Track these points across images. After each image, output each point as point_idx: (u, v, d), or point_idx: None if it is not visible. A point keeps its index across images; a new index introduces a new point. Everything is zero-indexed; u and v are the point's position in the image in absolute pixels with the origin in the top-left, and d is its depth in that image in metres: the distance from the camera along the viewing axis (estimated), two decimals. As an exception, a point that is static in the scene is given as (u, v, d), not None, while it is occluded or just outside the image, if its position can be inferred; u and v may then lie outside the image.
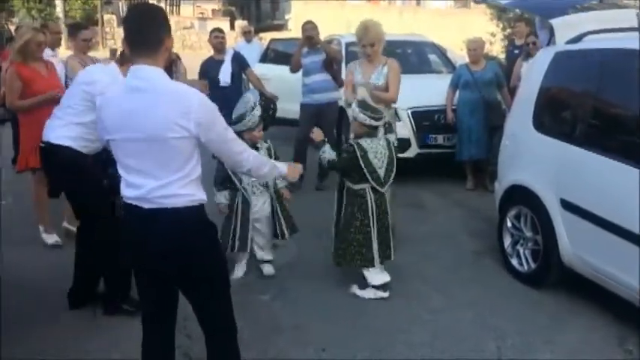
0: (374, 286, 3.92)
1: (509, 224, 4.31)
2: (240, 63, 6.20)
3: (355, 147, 3.81)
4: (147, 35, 2.24)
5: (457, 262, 4.55)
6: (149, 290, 2.48)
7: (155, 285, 2.45)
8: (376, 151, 3.80)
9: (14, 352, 3.20)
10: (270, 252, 4.36)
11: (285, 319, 3.66)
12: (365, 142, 3.82)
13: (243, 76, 6.62)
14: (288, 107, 6.83)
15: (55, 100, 4.72)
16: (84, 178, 3.59)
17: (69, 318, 3.65)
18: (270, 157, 4.05)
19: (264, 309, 3.79)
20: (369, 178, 3.79)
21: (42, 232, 4.87)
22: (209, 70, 6.23)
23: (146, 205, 2.26)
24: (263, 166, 2.58)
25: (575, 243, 3.70)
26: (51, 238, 4.82)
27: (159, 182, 2.24)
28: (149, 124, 2.18)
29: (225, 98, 5.81)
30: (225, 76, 6.07)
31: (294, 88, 6.65)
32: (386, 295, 3.91)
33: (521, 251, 4.20)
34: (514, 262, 4.24)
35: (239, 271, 4.27)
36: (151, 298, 2.49)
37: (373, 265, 3.87)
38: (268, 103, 5.93)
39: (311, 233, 5.11)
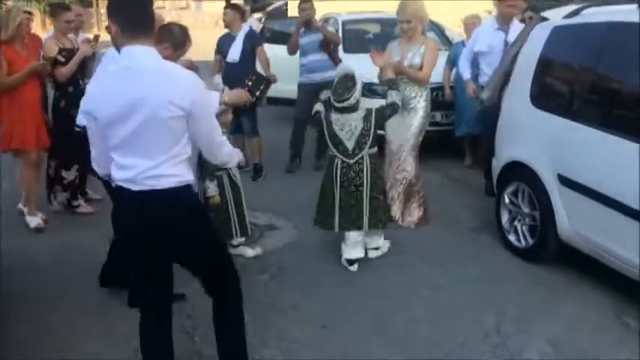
0: (346, 260, 4.07)
1: (506, 200, 4.31)
2: (252, 40, 6.14)
3: (323, 118, 4.02)
4: (141, 17, 2.25)
5: (455, 238, 4.57)
6: (144, 272, 2.49)
7: (149, 266, 2.46)
8: (344, 123, 3.91)
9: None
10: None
11: (283, 298, 3.69)
12: (334, 115, 3.95)
13: None
14: (286, 87, 6.80)
15: (38, 73, 4.76)
16: None
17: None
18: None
19: (263, 288, 3.81)
20: (333, 148, 3.97)
21: (26, 213, 4.86)
22: (223, 45, 6.20)
23: (135, 188, 2.28)
24: (235, 155, 2.68)
25: (573, 219, 3.70)
26: (34, 221, 4.82)
27: (150, 163, 2.25)
28: (145, 103, 2.18)
29: (231, 74, 5.83)
30: (234, 53, 6.02)
31: (291, 67, 6.60)
32: (352, 268, 4.05)
33: (518, 227, 4.20)
34: (512, 238, 4.25)
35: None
36: (147, 280, 2.50)
37: (333, 229, 4.03)
38: (258, 81, 5.90)
39: (308, 213, 5.12)
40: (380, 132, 4.30)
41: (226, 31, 6.32)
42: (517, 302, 3.56)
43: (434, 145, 6.85)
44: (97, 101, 2.28)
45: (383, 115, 3.98)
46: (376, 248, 4.23)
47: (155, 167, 2.25)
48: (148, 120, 2.19)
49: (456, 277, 3.92)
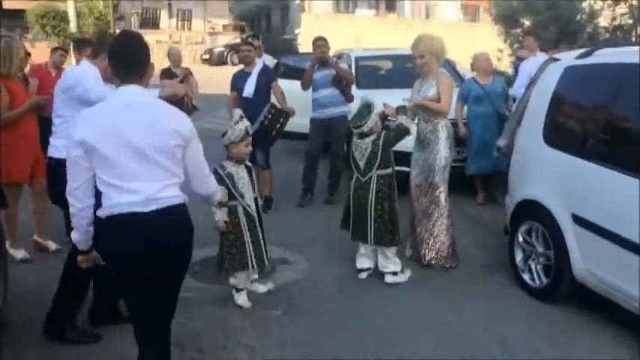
0: (358, 268, 4.47)
1: (520, 239, 4.30)
2: (266, 76, 6.25)
3: (352, 142, 4.44)
4: (136, 64, 2.52)
5: (468, 276, 4.54)
6: (146, 295, 2.49)
7: (151, 288, 2.48)
8: (359, 146, 4.32)
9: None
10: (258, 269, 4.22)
11: (296, 334, 3.67)
12: (355, 138, 4.38)
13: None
14: (298, 122, 6.87)
15: (39, 106, 4.83)
16: None
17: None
18: (251, 175, 4.09)
19: (275, 324, 3.80)
20: (353, 167, 4.39)
21: (9, 247, 4.71)
22: (237, 81, 6.30)
23: (146, 209, 2.39)
24: (217, 191, 2.85)
25: (588, 258, 3.68)
26: (20, 253, 4.82)
27: (158, 185, 2.42)
28: (153, 133, 2.40)
29: (247, 109, 5.95)
30: (249, 88, 6.12)
31: (305, 102, 6.68)
32: (362, 276, 4.44)
33: (532, 266, 4.18)
34: (526, 277, 4.22)
35: (242, 281, 4.07)
36: (149, 303, 2.50)
37: (350, 234, 4.44)
38: (277, 115, 6.00)
39: (320, 247, 5.13)
40: (403, 168, 4.66)
41: (240, 67, 6.44)
42: (530, 343, 3.52)
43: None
44: (101, 134, 2.39)
45: (389, 137, 4.28)
46: (394, 273, 4.33)
47: (162, 189, 2.43)
48: (160, 147, 2.41)
49: (468, 315, 3.89)
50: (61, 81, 3.83)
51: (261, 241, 4.07)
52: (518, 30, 12.82)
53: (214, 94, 10.78)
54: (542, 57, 6.17)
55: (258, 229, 4.07)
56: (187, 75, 8.62)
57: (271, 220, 5.94)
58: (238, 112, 4.06)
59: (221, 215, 3.90)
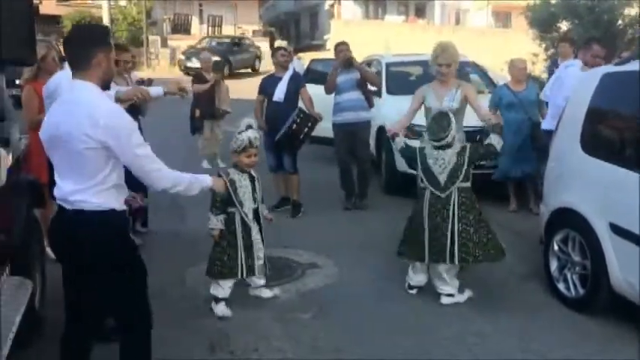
0: (408, 285, 4.25)
1: (555, 248, 4.22)
2: (296, 82, 6.30)
3: (417, 151, 4.18)
4: (77, 53, 2.50)
5: (502, 285, 4.46)
6: (68, 285, 2.67)
7: (73, 280, 2.63)
8: (437, 157, 4.04)
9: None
10: (262, 276, 4.18)
11: (326, 339, 3.65)
12: (429, 149, 4.10)
13: None
14: (325, 126, 6.87)
15: None
16: None
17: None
18: (254, 185, 3.99)
19: (305, 329, 3.79)
20: (426, 182, 4.08)
21: (46, 245, 4.87)
22: (266, 86, 6.35)
23: (66, 206, 2.50)
24: (180, 185, 2.71)
25: (626, 268, 3.59)
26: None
27: (76, 186, 2.46)
28: (65, 134, 2.42)
29: (278, 113, 6.08)
30: (279, 92, 6.18)
31: (332, 107, 6.69)
32: (412, 292, 4.24)
33: (568, 276, 4.09)
34: (561, 286, 4.14)
35: (224, 290, 3.97)
36: (71, 292, 2.67)
37: (424, 261, 4.09)
38: (305, 120, 6.03)
39: (349, 252, 5.11)
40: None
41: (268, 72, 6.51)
42: (565, 355, 3.44)
43: (477, 189, 6.79)
44: (46, 130, 2.54)
45: (477, 152, 4.11)
46: (451, 295, 4.11)
47: (80, 192, 2.46)
48: (69, 149, 2.43)
49: (502, 325, 3.82)
50: (45, 87, 3.91)
51: (255, 252, 3.98)
52: (554, 34, 12.65)
53: (242, 99, 10.88)
54: (577, 63, 6.05)
55: (253, 240, 3.97)
56: (218, 80, 8.74)
57: (299, 225, 5.99)
58: (246, 121, 3.97)
59: (216, 222, 3.84)
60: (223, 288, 3.94)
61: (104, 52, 2.51)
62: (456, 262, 3.99)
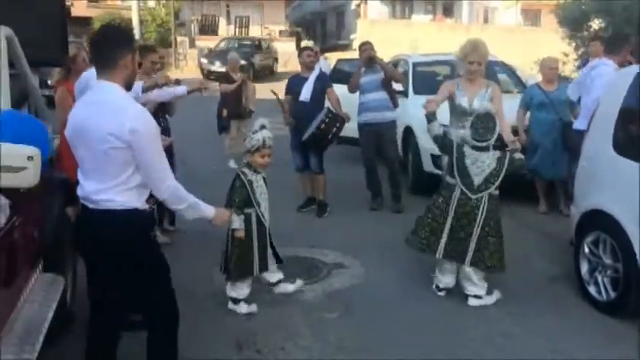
0: (436, 287, 4.19)
1: (586, 250, 4.14)
2: (322, 82, 6.31)
3: (454, 147, 4.04)
4: (103, 54, 2.53)
5: (531, 287, 4.40)
6: (92, 281, 2.73)
7: (97, 278, 2.69)
8: (477, 159, 3.95)
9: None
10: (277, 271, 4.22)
11: (353, 339, 3.65)
12: (467, 148, 3.99)
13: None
14: (354, 126, 6.87)
15: None
16: None
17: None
18: (266, 186, 4.02)
19: (331, 328, 3.79)
20: (459, 180, 3.98)
21: None
22: (293, 86, 6.38)
23: (89, 205, 2.53)
24: (180, 203, 2.69)
25: (660, 272, 3.51)
26: None
27: (98, 186, 2.50)
28: (90, 134, 2.45)
29: (304, 113, 6.09)
30: (306, 92, 6.19)
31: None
32: (441, 294, 4.17)
33: (599, 278, 4.01)
34: (592, 289, 4.06)
35: (244, 289, 4.01)
36: (95, 289, 2.74)
37: (434, 255, 4.05)
38: (333, 120, 6.03)
39: (376, 252, 5.10)
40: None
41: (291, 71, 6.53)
42: (594, 357, 3.38)
43: (506, 190, 6.71)
44: (71, 129, 2.58)
45: (513, 164, 4.03)
46: (479, 296, 4.06)
47: (104, 191, 2.49)
48: (94, 148, 2.47)
49: (531, 327, 3.77)
50: (76, 85, 3.97)
51: (268, 251, 4.05)
52: (585, 33, 12.41)
53: (268, 99, 10.92)
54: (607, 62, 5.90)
55: (267, 240, 4.03)
56: (245, 80, 8.80)
57: (325, 225, 5.99)
58: (260, 121, 3.98)
59: (240, 223, 3.85)
60: (241, 289, 3.97)
61: (130, 54, 2.56)
62: (469, 265, 3.99)
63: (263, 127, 3.91)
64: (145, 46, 5.64)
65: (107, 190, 2.50)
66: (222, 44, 24.55)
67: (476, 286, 4.06)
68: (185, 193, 2.70)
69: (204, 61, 22.60)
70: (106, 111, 2.46)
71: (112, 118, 2.43)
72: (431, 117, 4.21)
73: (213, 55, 22.69)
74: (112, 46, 2.54)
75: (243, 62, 11.58)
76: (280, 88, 6.92)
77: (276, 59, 26.29)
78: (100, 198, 2.51)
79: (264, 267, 4.04)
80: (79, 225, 2.66)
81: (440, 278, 4.19)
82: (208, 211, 2.83)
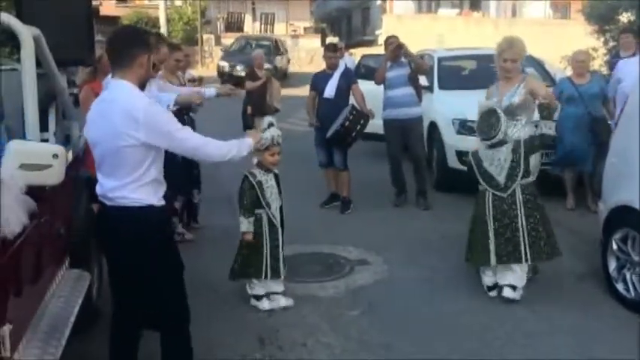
0: (487, 287, 4.10)
1: (614, 247, 4.05)
2: (347, 78, 6.30)
3: (471, 157, 4.13)
4: (120, 53, 2.57)
5: (557, 284, 4.33)
6: (113, 276, 2.78)
7: (117, 274, 2.75)
8: (493, 158, 3.97)
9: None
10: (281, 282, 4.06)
11: (375, 336, 3.64)
12: (482, 151, 4.03)
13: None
14: (378, 122, 6.84)
15: None
16: None
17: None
18: (279, 185, 3.98)
19: (354, 325, 3.79)
20: (485, 185, 4.00)
21: None
22: (318, 82, 6.37)
23: (107, 202, 2.59)
24: (229, 150, 2.80)
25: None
26: None
27: (115, 183, 2.54)
28: (104, 131, 2.50)
29: (328, 109, 6.10)
30: (330, 89, 6.19)
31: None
32: (493, 294, 4.06)
33: (627, 276, 3.93)
34: (620, 287, 3.98)
35: (262, 287, 3.95)
36: (114, 285, 2.79)
37: (489, 264, 3.98)
38: (357, 117, 6.01)
39: (399, 249, 5.08)
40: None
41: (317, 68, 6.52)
42: (621, 356, 3.32)
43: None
44: (88, 127, 2.64)
45: (532, 145, 3.98)
46: (513, 287, 3.98)
47: (120, 188, 2.55)
48: (109, 146, 2.52)
49: (555, 325, 3.71)
50: (104, 84, 3.99)
51: (280, 253, 3.95)
52: (613, 27, 12.14)
53: (293, 96, 10.95)
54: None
55: (279, 241, 3.95)
56: (270, 77, 8.82)
57: (349, 221, 5.99)
58: (267, 119, 3.96)
59: (247, 226, 3.82)
60: (257, 286, 3.95)
61: (147, 54, 2.61)
62: (529, 261, 3.94)
63: (271, 124, 3.87)
64: (169, 44, 5.67)
65: (122, 187, 2.54)
66: (236, 45, 22.81)
67: (517, 277, 3.98)
68: (224, 142, 2.82)
69: (223, 64, 20.53)
70: (118, 109, 2.50)
71: (124, 116, 2.48)
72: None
73: (229, 56, 21.03)
74: (129, 45, 2.58)
75: (267, 66, 11.34)
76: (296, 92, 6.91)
77: (288, 60, 23.87)
78: (115, 195, 2.56)
79: (276, 269, 3.92)
80: (99, 222, 2.72)
81: (486, 279, 4.11)
82: (249, 141, 2.99)
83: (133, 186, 2.54)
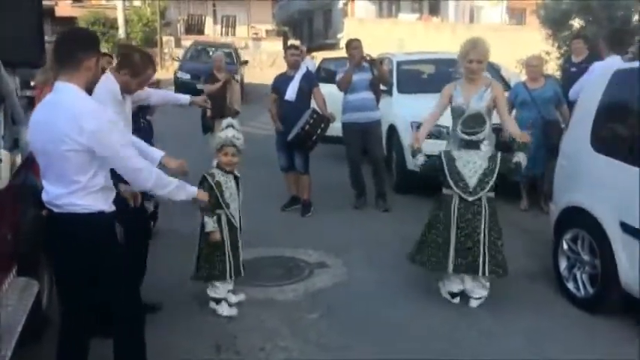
0: (449, 292, 4.08)
1: (565, 247, 4.17)
2: (309, 81, 6.27)
3: (442, 155, 4.03)
4: (63, 55, 2.50)
5: (509, 283, 4.40)
6: (61, 283, 2.73)
7: (66, 281, 2.70)
8: (468, 160, 3.93)
9: None
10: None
11: (333, 338, 3.65)
12: (456, 152, 4.00)
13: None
14: (338, 125, 6.86)
15: None
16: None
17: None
18: (238, 185, 3.96)
19: (312, 327, 3.78)
20: (453, 185, 3.92)
21: None
22: (278, 84, 6.34)
23: (55, 210, 2.53)
24: (167, 186, 2.72)
25: (637, 268, 3.53)
26: None
27: (61, 190, 2.48)
28: (47, 136, 2.43)
29: (289, 112, 6.07)
30: (291, 91, 6.15)
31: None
32: (455, 301, 4.07)
33: (577, 275, 4.04)
34: (570, 286, 4.09)
35: (222, 290, 3.94)
36: (63, 293, 2.75)
37: (445, 271, 3.96)
38: (318, 121, 6.02)
39: (359, 252, 5.10)
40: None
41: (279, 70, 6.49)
42: (573, 357, 3.40)
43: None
44: (31, 132, 2.56)
45: (506, 164, 3.96)
46: (479, 298, 4.04)
47: (67, 195, 2.48)
48: (51, 151, 2.44)
49: (509, 325, 3.79)
50: None
51: (240, 252, 3.98)
52: (566, 33, 12.50)
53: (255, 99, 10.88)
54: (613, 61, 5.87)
55: (238, 241, 3.96)
56: (229, 79, 8.74)
57: (309, 224, 5.98)
58: (227, 120, 3.95)
59: (213, 225, 3.80)
60: (219, 288, 3.92)
61: (95, 57, 2.55)
62: (487, 274, 3.92)
63: (229, 126, 3.87)
64: (128, 46, 5.60)
65: (70, 194, 2.48)
66: (190, 52, 19.88)
67: (484, 289, 4.04)
68: (165, 176, 2.73)
69: (183, 76, 17.34)
70: (62, 112, 2.43)
71: (68, 120, 2.41)
72: (416, 152, 4.19)
73: (187, 66, 18.10)
74: (77, 47, 2.51)
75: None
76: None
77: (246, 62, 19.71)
78: (63, 202, 2.50)
79: (237, 268, 3.95)
80: (48, 228, 2.64)
81: (448, 285, 4.10)
82: (193, 189, 2.93)
83: (82, 193, 2.49)
